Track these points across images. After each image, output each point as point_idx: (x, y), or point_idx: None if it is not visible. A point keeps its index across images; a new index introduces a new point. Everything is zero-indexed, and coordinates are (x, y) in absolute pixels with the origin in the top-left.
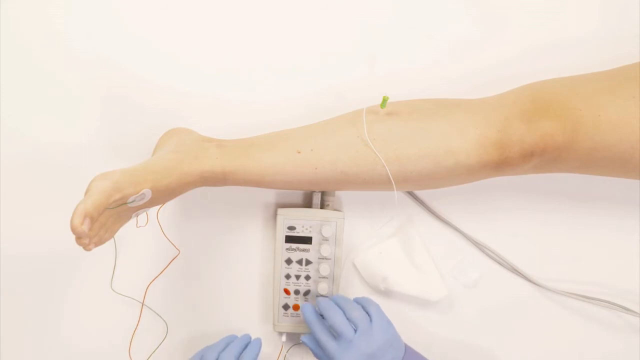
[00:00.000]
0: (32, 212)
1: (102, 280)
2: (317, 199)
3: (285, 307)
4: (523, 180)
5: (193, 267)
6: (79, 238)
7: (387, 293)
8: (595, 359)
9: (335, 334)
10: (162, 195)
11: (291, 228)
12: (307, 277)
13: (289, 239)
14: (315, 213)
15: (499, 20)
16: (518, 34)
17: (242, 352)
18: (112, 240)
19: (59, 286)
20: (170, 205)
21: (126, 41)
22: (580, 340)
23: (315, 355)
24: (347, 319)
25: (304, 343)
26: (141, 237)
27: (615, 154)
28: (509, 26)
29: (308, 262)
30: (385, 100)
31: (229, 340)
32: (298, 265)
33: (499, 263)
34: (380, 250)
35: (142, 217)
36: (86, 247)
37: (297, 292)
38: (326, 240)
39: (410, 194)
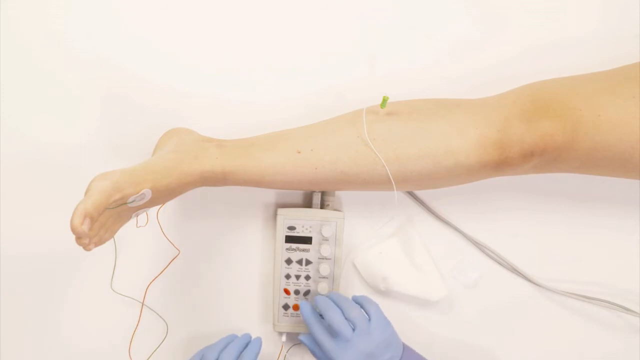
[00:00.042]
0: (32, 212)
1: (102, 280)
2: (317, 199)
3: (285, 307)
4: (523, 180)
5: (193, 267)
6: (79, 238)
7: (387, 293)
8: (595, 359)
9: (334, 333)
10: (162, 195)
11: (291, 228)
12: (307, 277)
13: (289, 239)
14: (315, 213)
15: (499, 20)
16: (518, 34)
17: (242, 351)
18: (112, 240)
19: (59, 286)
20: (170, 205)
21: (126, 41)
22: (580, 340)
23: (314, 354)
24: (346, 318)
25: (301, 342)
26: (141, 237)
27: (615, 154)
28: (509, 26)
29: (308, 262)
30: (385, 100)
31: (229, 340)
32: (298, 265)
33: (499, 263)
34: (380, 250)
35: (142, 217)
36: (86, 247)
37: (297, 292)
38: (326, 240)
39: (410, 194)
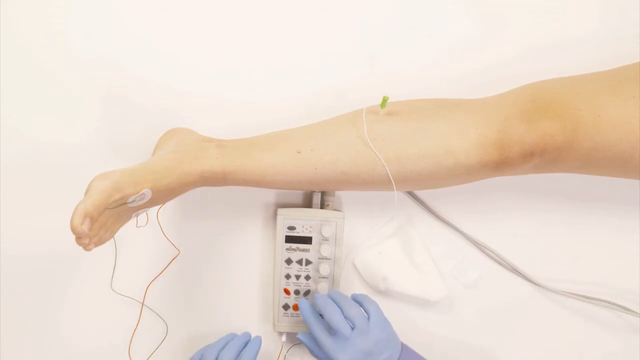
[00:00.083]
0: (32, 212)
1: (102, 280)
2: (317, 199)
3: (285, 307)
4: (523, 180)
5: (193, 267)
6: (79, 238)
7: (387, 293)
8: (595, 359)
9: (333, 331)
10: (162, 195)
11: (291, 228)
12: (307, 277)
13: (289, 239)
14: (315, 213)
15: (499, 20)
16: (518, 34)
17: (241, 350)
18: (112, 240)
19: (59, 286)
20: (170, 205)
21: (126, 41)
22: (580, 340)
23: (311, 352)
24: (345, 316)
25: (299, 340)
26: (141, 237)
27: (615, 154)
28: (509, 26)
29: (308, 262)
30: (385, 100)
31: (229, 339)
32: (298, 265)
33: (499, 263)
34: (380, 250)
35: (142, 217)
36: (86, 247)
37: (297, 292)
38: (326, 240)
39: (410, 194)
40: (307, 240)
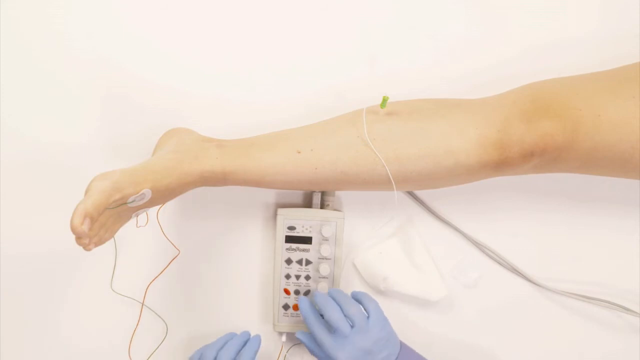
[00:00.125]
0: (32, 212)
1: (102, 280)
2: (317, 199)
3: (285, 307)
4: (523, 180)
5: (193, 267)
6: (79, 238)
7: (387, 293)
8: (595, 359)
9: (332, 330)
10: (162, 195)
11: (291, 228)
12: (307, 277)
13: (289, 239)
14: (315, 213)
15: (499, 20)
16: (518, 34)
17: (241, 349)
18: (112, 240)
19: (59, 286)
20: (170, 205)
21: (126, 41)
22: (580, 340)
23: (310, 350)
24: (345, 315)
25: (298, 339)
26: (141, 237)
27: (615, 154)
28: (509, 26)
29: (308, 262)
30: (385, 100)
31: (228, 338)
32: (298, 265)
33: (499, 263)
34: (380, 250)
35: (142, 217)
36: (86, 247)
37: (297, 292)
38: (326, 240)
39: (410, 194)
40: (307, 240)
